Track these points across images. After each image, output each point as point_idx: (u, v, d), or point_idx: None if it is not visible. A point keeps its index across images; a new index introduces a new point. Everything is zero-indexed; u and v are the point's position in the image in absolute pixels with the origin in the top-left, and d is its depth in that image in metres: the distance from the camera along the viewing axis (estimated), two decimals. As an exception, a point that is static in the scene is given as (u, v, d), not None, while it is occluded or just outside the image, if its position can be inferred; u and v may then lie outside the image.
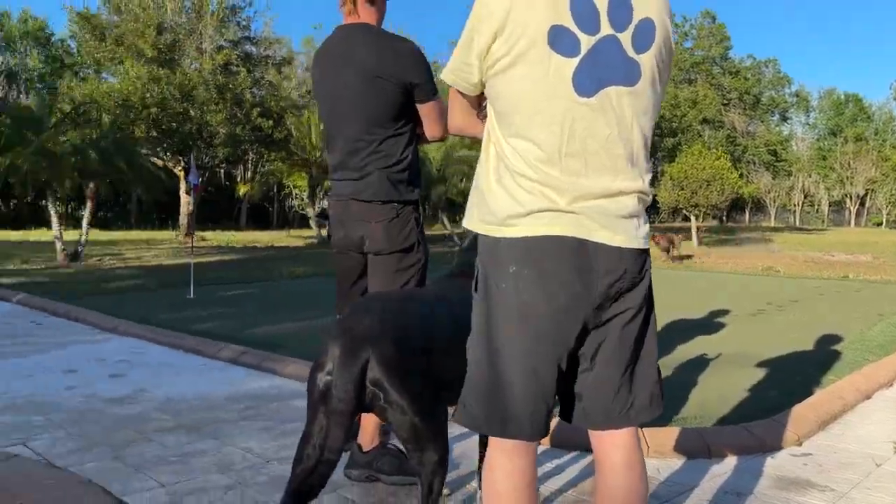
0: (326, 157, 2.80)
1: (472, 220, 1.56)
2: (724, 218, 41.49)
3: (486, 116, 1.59)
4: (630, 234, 1.48)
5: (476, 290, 1.55)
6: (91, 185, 13.88)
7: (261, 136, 22.27)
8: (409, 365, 1.79)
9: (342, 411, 1.73)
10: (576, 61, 1.41)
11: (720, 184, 21.11)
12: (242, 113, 21.71)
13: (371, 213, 2.57)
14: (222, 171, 34.65)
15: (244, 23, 25.42)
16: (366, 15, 2.57)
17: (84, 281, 10.08)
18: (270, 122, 21.89)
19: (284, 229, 33.85)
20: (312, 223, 24.95)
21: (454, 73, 1.55)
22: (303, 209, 35.14)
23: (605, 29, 1.43)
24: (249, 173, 34.68)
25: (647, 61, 1.47)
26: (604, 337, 1.51)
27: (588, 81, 1.42)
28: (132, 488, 2.52)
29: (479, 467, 2.40)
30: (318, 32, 37.30)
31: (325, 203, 28.75)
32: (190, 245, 11.73)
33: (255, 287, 9.97)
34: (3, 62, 34.40)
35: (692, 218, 22.26)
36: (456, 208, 25.74)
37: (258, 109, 21.91)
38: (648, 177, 1.52)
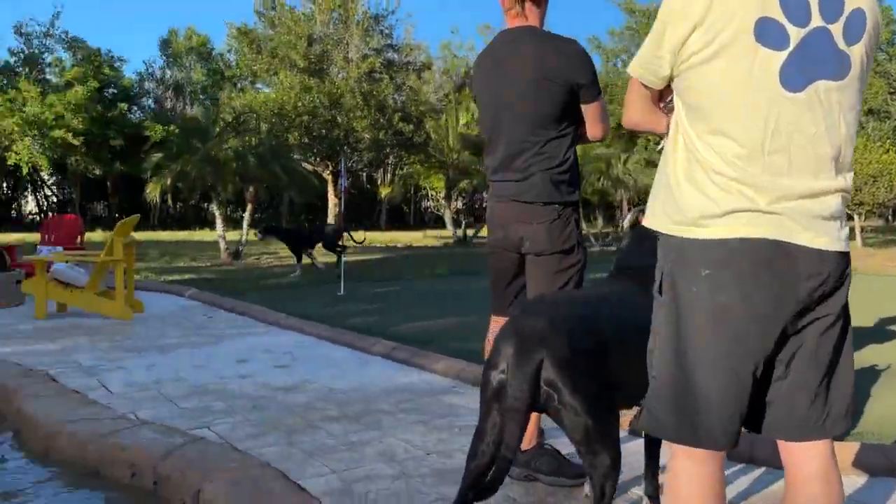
0: (485, 158, 2.85)
1: (656, 219, 1.52)
2: (892, 217, 37.67)
3: (670, 110, 1.56)
4: (833, 236, 1.40)
5: (660, 292, 1.51)
6: (251, 188, 14.98)
7: (402, 140, 23.04)
8: (582, 366, 1.79)
9: (517, 409, 1.75)
10: (784, 55, 1.35)
11: (888, 179, 19.22)
12: (385, 118, 22.57)
13: (533, 215, 2.58)
14: (365, 174, 36.15)
15: (387, 31, 26.42)
16: (532, 17, 2.59)
17: (245, 278, 10.90)
18: (411, 126, 22.59)
19: (420, 229, 34.75)
20: (449, 223, 25.42)
21: (642, 66, 1.52)
22: (438, 210, 35.92)
23: (816, 20, 1.36)
24: (388, 176, 35.96)
25: (857, 53, 1.39)
26: (801, 343, 1.43)
27: (797, 75, 1.35)
28: (307, 473, 2.69)
29: (648, 473, 2.35)
30: (456, 37, 37.90)
31: (459, 203, 29.11)
32: (340, 245, 12.33)
33: (399, 285, 10.32)
34: (171, 76, 37.91)
35: (855, 217, 20.42)
36: (590, 208, 25.23)
37: (399, 114, 22.70)
38: (850, 175, 1.43)
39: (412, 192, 39.31)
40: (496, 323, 2.85)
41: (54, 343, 5.46)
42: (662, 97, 1.60)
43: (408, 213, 42.82)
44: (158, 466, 2.75)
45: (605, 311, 2.00)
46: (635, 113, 1.65)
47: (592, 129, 2.60)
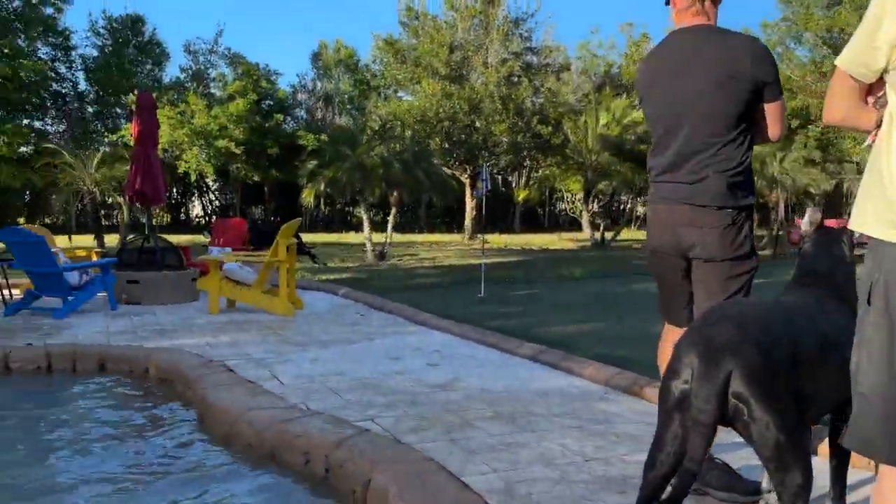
0: (649, 159, 2.77)
1: (867, 223, 1.42)
2: None
3: (882, 105, 1.45)
4: None
5: (869, 302, 1.41)
6: (395, 192, 15.57)
7: (539, 143, 22.96)
8: (774, 378, 1.70)
9: (704, 422, 1.70)
10: None
11: None
12: (523, 121, 22.61)
13: (705, 219, 2.49)
14: (500, 177, 36.35)
15: (526, 34, 26.45)
16: (711, 14, 2.52)
17: (390, 277, 11.33)
18: (549, 128, 22.46)
19: (555, 232, 34.39)
20: (585, 225, 24.98)
21: (853, 57, 1.44)
22: (574, 212, 35.36)
23: None
24: (523, 179, 35.94)
25: None
26: None
27: None
28: (468, 470, 2.75)
29: (835, 494, 2.19)
30: (594, 36, 37.21)
31: (595, 205, 28.45)
32: (479, 247, 12.52)
33: (538, 287, 10.29)
34: (321, 88, 40.11)
35: None
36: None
37: (538, 117, 22.64)
38: None
39: (547, 194, 39.02)
40: (670, 331, 2.77)
41: (227, 336, 5.95)
42: (872, 91, 1.50)
43: (542, 216, 42.49)
44: (330, 455, 2.93)
45: (796, 320, 1.89)
46: (839, 108, 1.55)
47: (773, 128, 2.49)
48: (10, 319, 6.66)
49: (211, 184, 38.67)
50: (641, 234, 29.51)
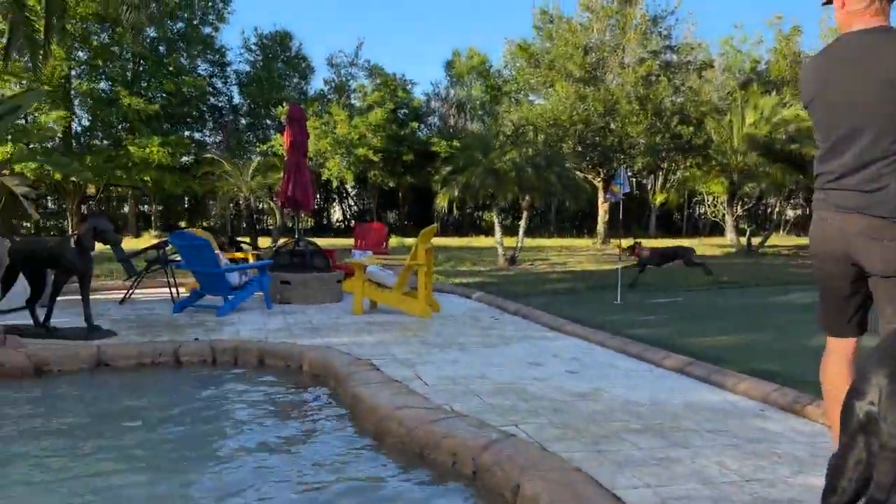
0: (818, 164, 2.59)
1: None
2: None
3: None
4: None
5: None
6: (527, 196, 15.52)
7: (679, 144, 22.05)
8: None
9: (893, 447, 1.56)
10: None
11: None
12: (662, 122, 21.81)
13: (883, 231, 2.30)
14: (635, 180, 35.29)
15: (665, 32, 25.51)
16: (888, 14, 2.34)
17: (522, 282, 11.31)
18: (690, 128, 21.50)
19: (694, 237, 32.81)
20: (729, 230, 23.64)
21: None
22: (715, 216, 33.58)
23: None
24: (660, 181, 34.64)
25: None
26: None
27: None
28: (619, 483, 2.70)
29: None
30: (738, 31, 35.23)
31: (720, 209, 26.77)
32: (613, 252, 12.21)
33: (680, 295, 9.88)
34: (453, 95, 40.85)
35: None
36: None
37: (678, 117, 21.75)
38: None
39: (685, 197, 37.36)
40: (834, 345, 2.58)
41: (371, 336, 6.20)
42: None
43: (679, 220, 40.72)
44: (478, 457, 2.97)
45: None
46: None
47: None
48: (177, 316, 7.32)
49: (350, 190, 40.47)
50: (792, 241, 27.54)
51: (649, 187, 36.53)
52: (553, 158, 16.47)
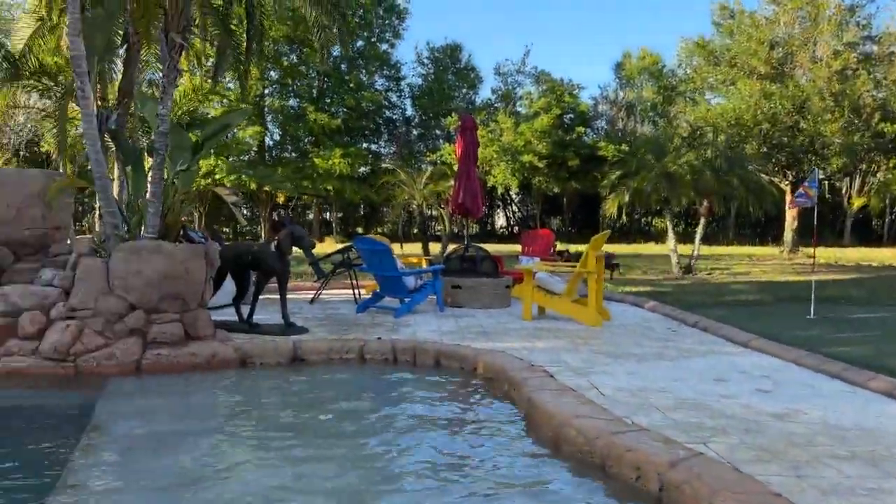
0: None
1: None
2: None
3: None
4: None
5: None
6: (705, 201, 14.70)
7: (881, 143, 19.78)
8: None
9: None
10: None
11: None
12: (861, 119, 19.70)
13: None
14: (827, 183, 32.18)
15: (864, 22, 23.03)
16: None
17: (699, 292, 10.71)
18: (895, 126, 19.21)
19: (900, 247, 29.20)
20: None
21: None
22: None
23: None
24: (857, 184, 31.26)
25: None
26: None
27: None
28: (825, 512, 2.48)
29: None
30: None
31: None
32: (802, 262, 11.21)
33: (883, 311, 8.86)
34: (622, 97, 39.71)
35: None
36: None
37: (879, 113, 19.52)
38: None
39: (887, 202, 33.37)
40: None
41: (542, 342, 6.19)
42: None
43: (879, 227, 36.43)
44: (664, 474, 2.86)
45: None
46: None
47: None
48: (360, 315, 7.78)
49: (514, 196, 40.71)
50: None
51: (844, 191, 33.15)
52: (735, 160, 15.46)
